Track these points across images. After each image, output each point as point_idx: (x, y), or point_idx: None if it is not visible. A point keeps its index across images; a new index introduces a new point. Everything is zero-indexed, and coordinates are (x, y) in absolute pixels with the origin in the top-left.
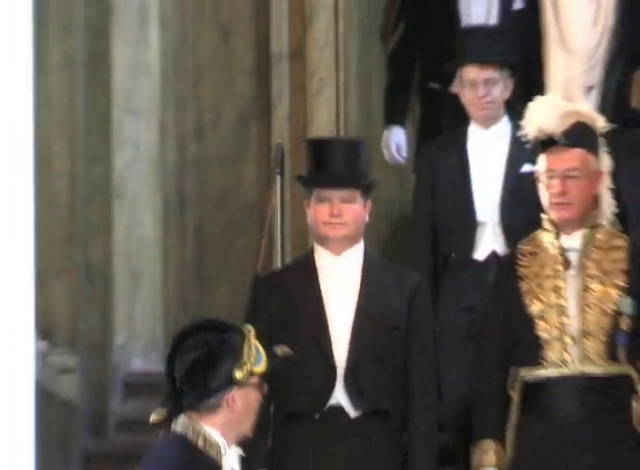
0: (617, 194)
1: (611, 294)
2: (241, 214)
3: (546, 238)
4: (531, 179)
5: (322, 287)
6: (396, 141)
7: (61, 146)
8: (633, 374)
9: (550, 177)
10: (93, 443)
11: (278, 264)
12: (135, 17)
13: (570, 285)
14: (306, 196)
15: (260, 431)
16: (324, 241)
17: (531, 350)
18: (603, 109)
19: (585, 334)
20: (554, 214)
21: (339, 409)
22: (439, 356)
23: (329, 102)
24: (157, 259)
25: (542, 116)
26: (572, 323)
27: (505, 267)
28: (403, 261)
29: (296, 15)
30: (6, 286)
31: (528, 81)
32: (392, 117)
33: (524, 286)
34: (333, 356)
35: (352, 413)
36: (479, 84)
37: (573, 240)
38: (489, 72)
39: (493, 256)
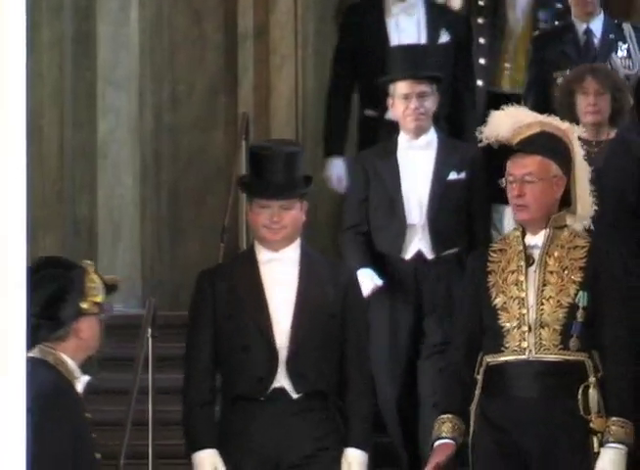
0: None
1: (568, 288)
2: (210, 174)
3: (513, 236)
4: (457, 186)
5: (263, 280)
6: (337, 172)
7: (51, 114)
8: (586, 361)
9: (510, 182)
10: None
11: (243, 218)
12: (117, 0)
13: (530, 279)
14: (247, 200)
15: (208, 409)
16: (263, 241)
17: (495, 338)
18: None
19: (542, 324)
20: (515, 215)
21: (281, 391)
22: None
23: (289, 76)
24: (135, 214)
25: (503, 125)
26: (530, 314)
27: (476, 262)
28: None
29: (259, 1)
30: (2, 239)
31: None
32: (332, 149)
33: (491, 280)
34: (275, 344)
35: (294, 395)
36: (412, 97)
37: (537, 239)
38: (422, 87)
39: (419, 255)
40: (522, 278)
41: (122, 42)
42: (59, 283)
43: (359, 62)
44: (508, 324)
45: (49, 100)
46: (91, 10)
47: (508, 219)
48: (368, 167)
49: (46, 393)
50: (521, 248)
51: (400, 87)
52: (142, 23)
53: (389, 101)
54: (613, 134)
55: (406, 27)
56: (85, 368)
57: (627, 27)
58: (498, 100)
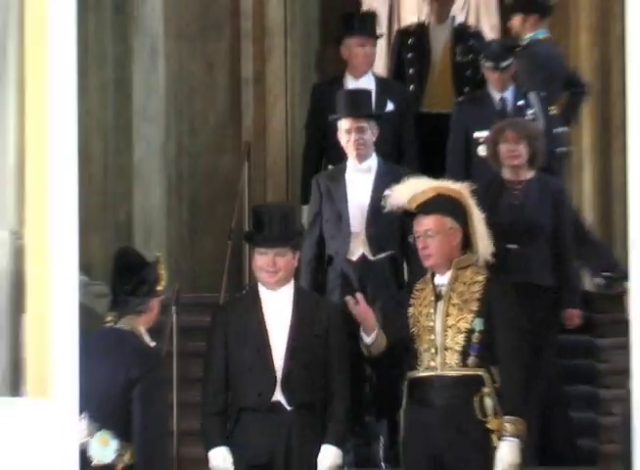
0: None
1: (466, 317)
2: (221, 188)
3: (428, 278)
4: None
5: (264, 314)
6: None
7: (97, 142)
8: (484, 375)
9: (416, 237)
10: None
11: (246, 222)
12: (148, 54)
13: (438, 312)
14: (251, 247)
15: (221, 418)
16: (263, 283)
17: (413, 358)
18: None
19: (445, 347)
20: (423, 263)
21: (278, 404)
22: None
23: (280, 112)
24: (162, 219)
25: (402, 196)
26: (437, 339)
27: (405, 296)
28: None
29: (257, 54)
30: (59, 239)
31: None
32: (307, 199)
33: (411, 311)
34: (273, 367)
35: (288, 407)
36: (352, 132)
37: (444, 278)
38: (361, 122)
39: (363, 256)
40: (431, 311)
41: (152, 86)
42: (144, 269)
43: (323, 133)
44: (421, 347)
45: (95, 131)
46: (127, 61)
47: None
48: (322, 187)
49: (158, 355)
50: (432, 286)
51: (343, 123)
52: (167, 72)
53: (338, 134)
54: (531, 175)
55: (359, 181)
56: None
57: (532, 96)
58: (425, 118)
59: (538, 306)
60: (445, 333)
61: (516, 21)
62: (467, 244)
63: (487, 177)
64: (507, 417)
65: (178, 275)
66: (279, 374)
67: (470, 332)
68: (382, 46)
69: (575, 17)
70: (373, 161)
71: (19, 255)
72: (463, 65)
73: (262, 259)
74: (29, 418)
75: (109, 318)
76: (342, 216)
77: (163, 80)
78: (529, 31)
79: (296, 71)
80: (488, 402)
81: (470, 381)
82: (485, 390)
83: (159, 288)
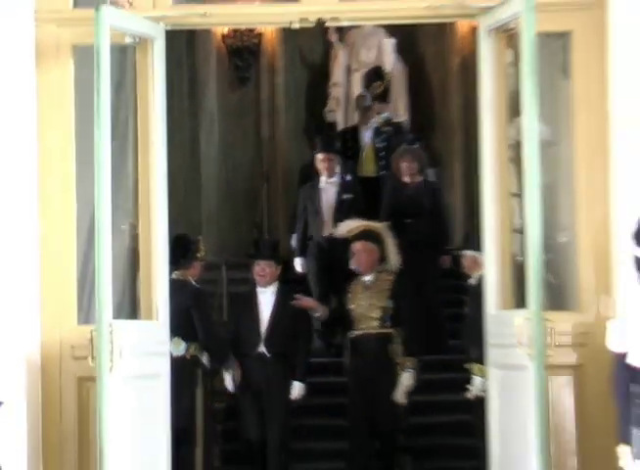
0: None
1: (381, 299)
2: (251, 200)
3: (360, 278)
4: (346, 201)
5: (258, 301)
6: (295, 242)
7: (179, 173)
8: (393, 333)
9: (352, 254)
10: None
11: (265, 219)
12: (209, 123)
13: (365, 296)
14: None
15: (229, 360)
16: (257, 282)
17: (351, 323)
18: None
19: (370, 317)
20: (358, 271)
21: (262, 353)
22: None
23: (284, 156)
24: (217, 218)
25: (343, 229)
26: (365, 313)
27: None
28: None
29: (270, 123)
30: (161, 230)
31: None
32: (294, 229)
33: (349, 296)
34: (260, 332)
35: (268, 355)
36: (325, 161)
37: (369, 278)
38: (330, 156)
39: (330, 236)
40: (361, 296)
41: (211, 141)
42: (190, 244)
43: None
44: (356, 318)
45: (178, 167)
46: (196, 126)
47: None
48: (305, 193)
49: (203, 292)
50: (362, 282)
51: (319, 156)
52: (219, 133)
53: (316, 162)
54: (419, 179)
55: (328, 189)
56: None
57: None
58: (362, 179)
59: (424, 256)
60: (369, 309)
61: None
62: (383, 258)
63: (394, 183)
64: (407, 357)
65: (226, 249)
66: (263, 336)
67: (383, 308)
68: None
69: None
70: (336, 177)
71: (134, 239)
72: (380, 149)
73: (257, 268)
74: (145, 332)
75: (173, 274)
76: (317, 211)
77: (217, 138)
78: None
79: (292, 134)
80: (396, 348)
81: (385, 336)
82: (394, 341)
83: (198, 255)
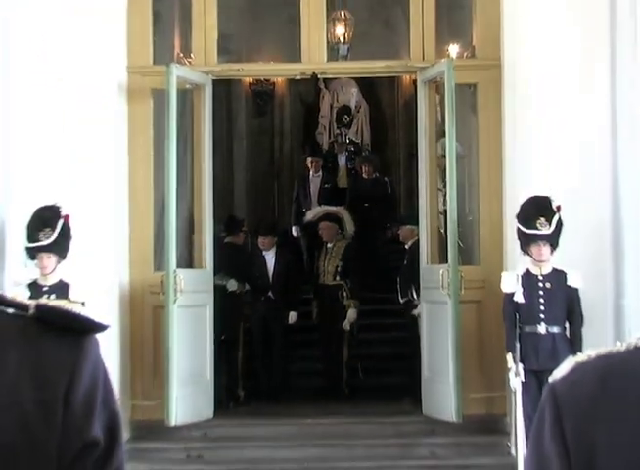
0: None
1: (336, 259)
2: (268, 193)
3: (327, 245)
4: (328, 188)
5: (264, 259)
6: (296, 229)
7: (220, 176)
8: (344, 284)
9: (320, 230)
10: None
11: (276, 205)
12: (238, 141)
13: (326, 258)
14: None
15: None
16: (261, 248)
17: (316, 277)
18: None
19: (328, 272)
20: (324, 240)
21: (270, 296)
22: None
23: (288, 163)
24: (246, 203)
25: (313, 214)
26: (326, 269)
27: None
28: None
29: (279, 143)
30: (201, 224)
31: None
32: (295, 222)
33: (319, 257)
34: (269, 281)
35: (273, 296)
36: (313, 162)
37: (330, 245)
38: (315, 159)
39: (319, 219)
40: (324, 257)
41: (238, 154)
42: (238, 222)
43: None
44: (321, 273)
45: (220, 171)
46: (230, 144)
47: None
48: (299, 184)
49: (244, 248)
50: (325, 248)
51: (308, 159)
52: (245, 148)
53: (307, 162)
54: (374, 176)
55: (315, 180)
56: None
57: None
58: (337, 190)
59: (377, 229)
60: (329, 266)
61: None
62: (342, 230)
63: (356, 180)
64: (353, 300)
65: (250, 224)
66: (270, 282)
67: (337, 266)
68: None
69: None
70: (320, 172)
71: (190, 215)
72: (353, 169)
73: (260, 239)
74: (197, 276)
75: (226, 238)
76: (307, 195)
77: (244, 151)
78: None
79: (294, 148)
80: (345, 293)
81: (338, 286)
82: (344, 289)
83: (243, 229)
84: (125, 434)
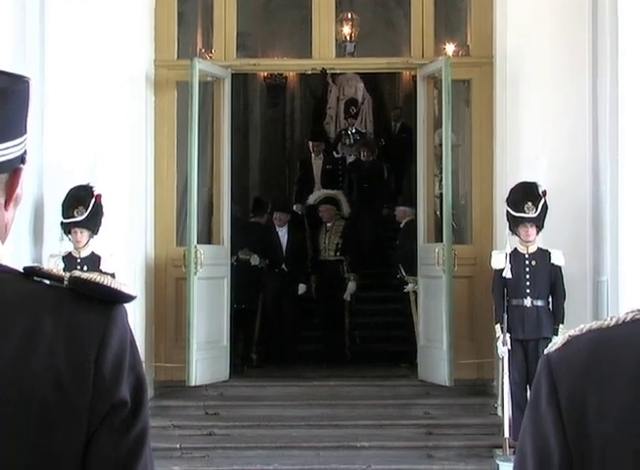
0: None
1: (336, 237)
2: (283, 183)
3: (327, 224)
4: (333, 168)
5: (278, 235)
6: (300, 209)
7: (236, 166)
8: (344, 260)
9: (320, 212)
10: None
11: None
12: (253, 126)
13: (327, 236)
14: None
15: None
16: (276, 224)
17: (318, 252)
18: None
19: (330, 248)
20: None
21: (282, 269)
22: None
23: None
24: (261, 189)
25: (313, 198)
26: (327, 245)
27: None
28: None
29: (291, 150)
30: (220, 211)
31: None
32: (297, 201)
33: (320, 235)
34: (283, 254)
35: (286, 269)
36: (314, 148)
37: (329, 225)
38: (316, 143)
39: (319, 202)
40: (324, 236)
41: (255, 139)
42: (263, 204)
43: (304, 171)
44: (321, 249)
45: (237, 165)
46: (246, 131)
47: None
48: (302, 166)
49: (263, 226)
50: (325, 228)
51: (310, 143)
52: (258, 136)
53: (310, 146)
54: (372, 159)
55: (316, 163)
56: None
57: None
58: (338, 172)
59: (375, 209)
60: (330, 243)
61: None
62: (339, 211)
63: (357, 162)
64: (352, 274)
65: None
66: (284, 256)
67: (338, 243)
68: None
69: None
70: (321, 156)
71: (210, 195)
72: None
73: (277, 215)
74: (215, 251)
75: (252, 218)
76: (310, 177)
77: (259, 138)
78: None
79: (303, 136)
80: (345, 268)
81: (338, 261)
82: (344, 264)
83: (267, 210)
84: (150, 393)
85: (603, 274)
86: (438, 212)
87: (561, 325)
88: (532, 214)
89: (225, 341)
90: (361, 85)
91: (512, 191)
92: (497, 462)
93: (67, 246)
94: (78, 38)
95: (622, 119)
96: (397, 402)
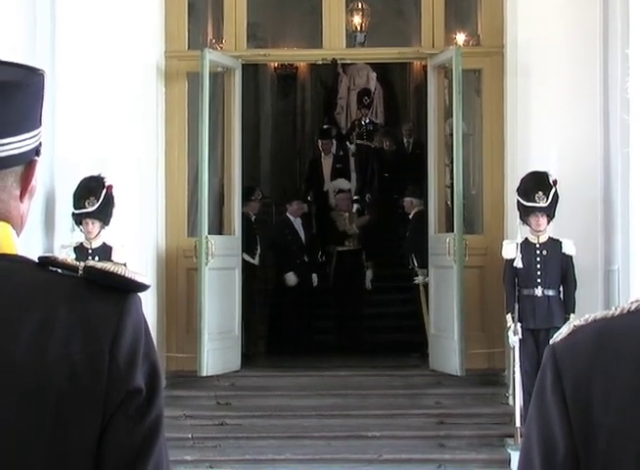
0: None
1: (351, 228)
2: (295, 177)
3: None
4: (339, 168)
5: (292, 225)
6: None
7: (246, 153)
8: (363, 249)
9: (338, 200)
10: None
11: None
12: (264, 116)
13: (346, 227)
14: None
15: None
16: (291, 214)
17: (338, 241)
18: None
19: (352, 237)
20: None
21: (305, 260)
22: None
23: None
24: (270, 180)
25: (330, 187)
26: (349, 231)
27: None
28: None
29: (303, 118)
30: (231, 205)
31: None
32: (306, 195)
33: (337, 223)
34: (302, 242)
35: (306, 259)
36: (323, 145)
37: (346, 215)
38: (325, 142)
39: (336, 192)
40: (342, 225)
41: (266, 129)
42: (253, 189)
43: (313, 170)
44: (342, 238)
45: (248, 157)
46: (257, 122)
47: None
48: (311, 165)
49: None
50: (347, 215)
51: (319, 142)
52: (270, 126)
53: (319, 144)
54: (393, 148)
55: (325, 161)
56: None
57: None
58: (348, 170)
59: (391, 198)
60: (347, 233)
61: None
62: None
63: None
64: (369, 262)
65: (275, 194)
66: (303, 244)
67: (355, 234)
68: None
69: None
70: (331, 154)
71: (221, 186)
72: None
73: (291, 205)
74: (226, 242)
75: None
76: (319, 174)
77: (270, 129)
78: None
79: (314, 127)
80: (363, 257)
81: (358, 251)
82: (363, 254)
83: (256, 198)
84: None
85: (614, 263)
86: (449, 202)
87: (572, 315)
88: (543, 204)
89: (236, 331)
90: (373, 75)
91: (523, 181)
92: (509, 451)
93: (78, 237)
94: (89, 30)
95: (634, 108)
96: (408, 392)
